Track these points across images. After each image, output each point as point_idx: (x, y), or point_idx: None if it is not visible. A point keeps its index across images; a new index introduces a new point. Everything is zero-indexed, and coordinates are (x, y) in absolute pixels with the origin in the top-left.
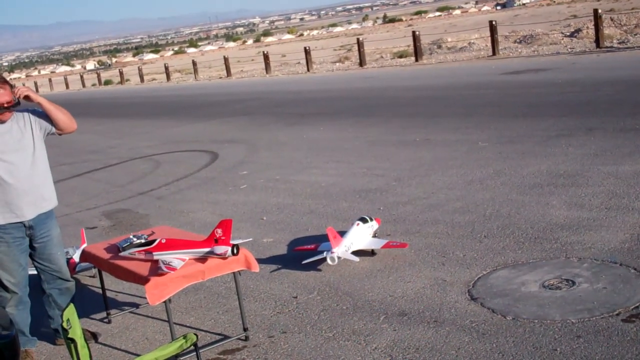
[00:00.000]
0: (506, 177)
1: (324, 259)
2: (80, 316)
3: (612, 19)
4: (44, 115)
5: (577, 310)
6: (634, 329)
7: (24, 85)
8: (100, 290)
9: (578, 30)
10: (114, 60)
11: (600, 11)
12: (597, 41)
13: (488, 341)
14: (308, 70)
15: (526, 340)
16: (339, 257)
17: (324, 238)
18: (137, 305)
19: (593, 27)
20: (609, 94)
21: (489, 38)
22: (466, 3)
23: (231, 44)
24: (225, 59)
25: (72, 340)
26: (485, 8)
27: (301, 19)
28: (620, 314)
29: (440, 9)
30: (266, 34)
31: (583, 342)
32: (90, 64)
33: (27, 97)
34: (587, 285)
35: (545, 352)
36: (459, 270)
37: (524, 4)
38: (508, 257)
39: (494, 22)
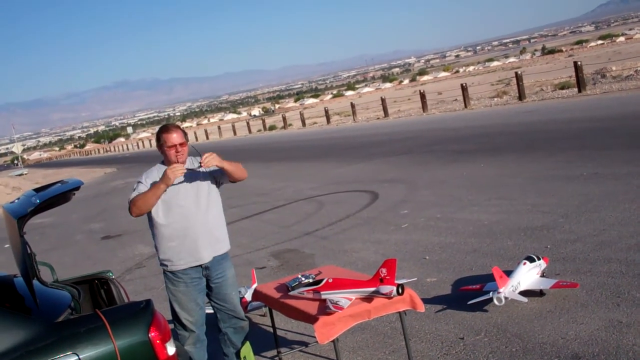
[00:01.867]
0: None
1: (490, 300)
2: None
3: None
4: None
5: None
6: None
7: (205, 157)
8: (270, 329)
9: None
10: (277, 106)
11: None
12: None
13: None
14: (465, 106)
15: None
16: (506, 298)
17: (489, 278)
18: (306, 344)
19: None
20: None
21: None
22: (630, 29)
23: (387, 84)
24: (382, 100)
25: None
26: None
27: (456, 56)
28: None
29: (603, 37)
30: (422, 72)
31: None
32: (255, 111)
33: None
34: None
35: None
36: (636, 311)
37: None
38: None
39: None
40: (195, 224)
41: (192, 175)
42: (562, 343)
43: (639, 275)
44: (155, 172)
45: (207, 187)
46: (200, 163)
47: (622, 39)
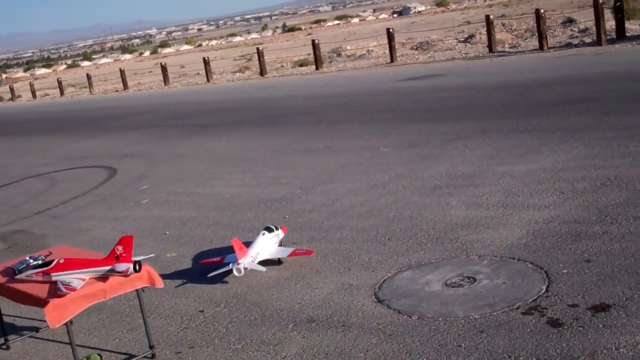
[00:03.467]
0: (407, 181)
1: (230, 271)
2: None
3: (503, 25)
4: None
5: (479, 306)
6: (533, 320)
7: None
8: None
9: (471, 36)
10: (3, 76)
11: (492, 17)
12: (490, 46)
13: (395, 342)
14: (208, 80)
15: (432, 339)
16: (245, 268)
17: (230, 250)
18: (37, 329)
19: (486, 32)
20: (502, 97)
21: (387, 45)
22: (364, 11)
23: (127, 56)
24: (122, 72)
25: None
26: (382, 16)
27: (199, 30)
28: (520, 307)
29: (339, 18)
30: (163, 45)
31: (486, 337)
32: None
33: None
34: (488, 282)
35: (450, 348)
36: (364, 274)
37: (419, 12)
38: (412, 258)
39: (391, 30)
40: None
41: None
42: (298, 308)
43: (367, 241)
44: None
45: None
46: None
47: (356, 20)
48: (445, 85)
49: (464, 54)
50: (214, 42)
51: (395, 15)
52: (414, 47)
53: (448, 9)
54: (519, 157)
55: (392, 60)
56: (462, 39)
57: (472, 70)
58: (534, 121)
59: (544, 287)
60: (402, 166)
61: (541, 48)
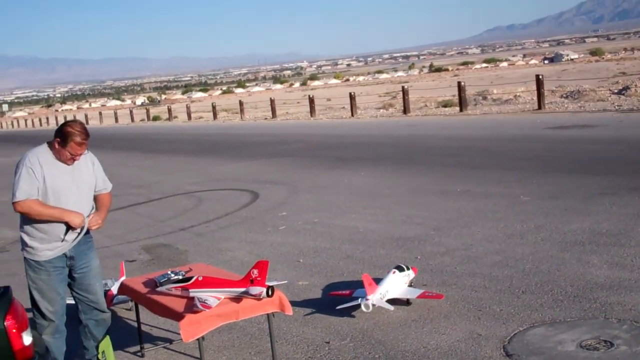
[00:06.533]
0: (547, 233)
1: (359, 306)
2: (114, 348)
3: None
4: (100, 171)
5: None
6: None
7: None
8: (135, 324)
9: (626, 88)
10: (163, 97)
11: None
12: None
13: None
14: (352, 115)
15: None
16: (373, 305)
17: (360, 284)
18: (170, 341)
19: None
20: None
21: (535, 91)
22: (513, 56)
23: (278, 86)
24: (272, 101)
25: None
26: (532, 62)
27: (348, 65)
28: None
29: (487, 61)
30: (313, 77)
31: None
32: (140, 100)
33: None
34: (626, 348)
35: None
36: (495, 325)
37: (572, 59)
38: (546, 314)
39: (540, 76)
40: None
41: (76, 176)
42: (423, 352)
43: (500, 291)
44: (42, 157)
45: (88, 188)
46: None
47: (505, 64)
48: (594, 137)
49: (617, 105)
50: (360, 78)
51: (546, 62)
52: (564, 95)
53: (603, 58)
54: None
55: (539, 107)
56: (616, 90)
57: (625, 124)
58: None
59: None
60: (542, 217)
61: None
